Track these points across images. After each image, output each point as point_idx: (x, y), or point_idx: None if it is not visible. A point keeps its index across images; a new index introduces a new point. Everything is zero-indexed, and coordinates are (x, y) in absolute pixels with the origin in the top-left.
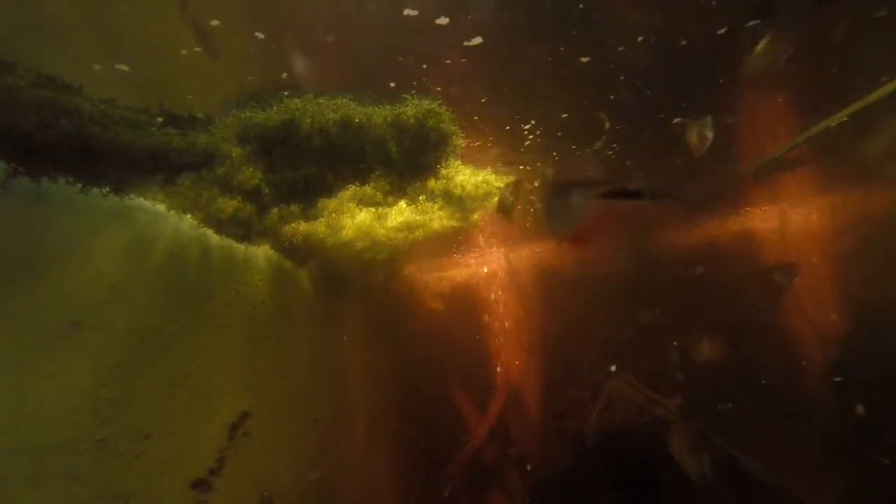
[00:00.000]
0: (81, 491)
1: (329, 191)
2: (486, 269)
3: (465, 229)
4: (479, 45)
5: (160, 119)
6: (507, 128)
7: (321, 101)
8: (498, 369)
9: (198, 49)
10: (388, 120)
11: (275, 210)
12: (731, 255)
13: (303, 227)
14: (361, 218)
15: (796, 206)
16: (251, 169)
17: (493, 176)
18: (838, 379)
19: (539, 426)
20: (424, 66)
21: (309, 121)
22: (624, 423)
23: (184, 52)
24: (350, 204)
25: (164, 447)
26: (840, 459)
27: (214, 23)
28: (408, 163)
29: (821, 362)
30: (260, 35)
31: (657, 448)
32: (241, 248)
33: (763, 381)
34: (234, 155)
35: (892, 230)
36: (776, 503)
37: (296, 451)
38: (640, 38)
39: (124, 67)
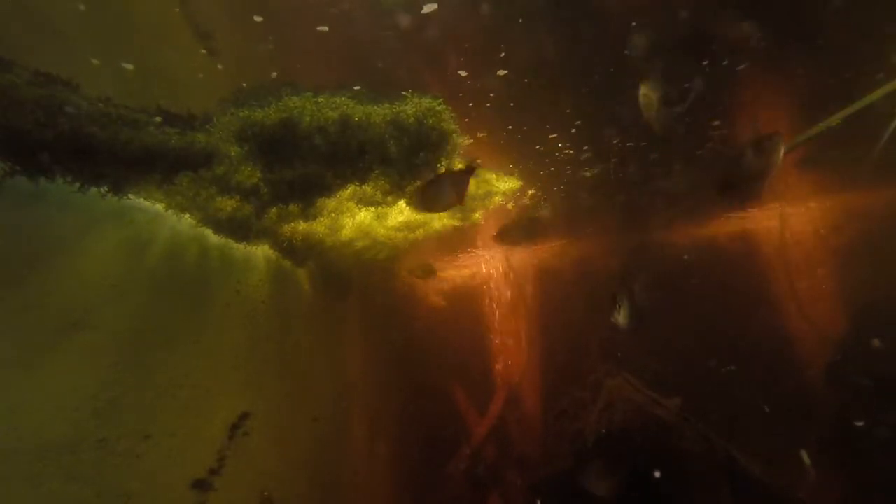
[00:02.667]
0: (81, 491)
1: (328, 190)
2: (486, 269)
3: (465, 228)
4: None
5: (158, 118)
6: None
7: (320, 99)
8: (498, 369)
9: (201, 49)
10: (388, 118)
11: (273, 209)
12: (730, 253)
13: (302, 226)
14: (361, 217)
15: (795, 205)
16: (249, 168)
17: (494, 176)
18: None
19: (539, 426)
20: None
21: (308, 119)
22: (624, 423)
23: (184, 50)
24: (349, 203)
25: (164, 447)
26: (840, 459)
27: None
28: (408, 162)
29: (820, 361)
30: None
31: (657, 448)
32: (240, 247)
33: (763, 381)
34: (232, 154)
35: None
36: (776, 503)
37: (296, 451)
38: None
39: (129, 66)
